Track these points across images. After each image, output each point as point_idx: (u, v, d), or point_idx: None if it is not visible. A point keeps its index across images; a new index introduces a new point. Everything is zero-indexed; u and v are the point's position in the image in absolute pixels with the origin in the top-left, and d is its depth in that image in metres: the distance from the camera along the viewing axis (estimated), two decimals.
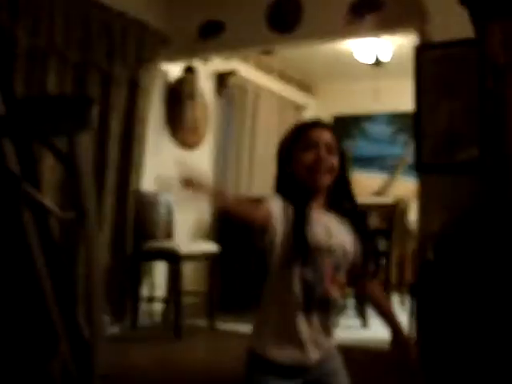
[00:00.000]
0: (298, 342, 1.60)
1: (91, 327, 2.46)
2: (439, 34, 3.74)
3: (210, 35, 4.64)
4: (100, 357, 2.46)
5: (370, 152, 7.60)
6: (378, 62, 5.78)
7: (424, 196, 3.76)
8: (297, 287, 1.59)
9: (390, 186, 7.46)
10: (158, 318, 4.81)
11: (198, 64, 5.15)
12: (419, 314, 3.34)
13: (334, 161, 1.68)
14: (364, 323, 4.75)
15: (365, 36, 4.76)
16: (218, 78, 5.69)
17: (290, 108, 7.12)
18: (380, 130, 7.57)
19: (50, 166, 3.74)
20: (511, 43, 2.76)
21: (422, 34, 3.85)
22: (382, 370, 3.55)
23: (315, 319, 1.61)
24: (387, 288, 5.22)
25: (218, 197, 1.59)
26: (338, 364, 1.73)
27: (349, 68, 6.78)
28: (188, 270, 4.81)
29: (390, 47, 5.82)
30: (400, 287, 5.52)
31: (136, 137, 4.45)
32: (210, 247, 4.66)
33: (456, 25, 3.44)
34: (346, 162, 1.74)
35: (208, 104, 5.55)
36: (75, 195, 2.45)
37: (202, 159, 5.50)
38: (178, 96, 5.03)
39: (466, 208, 3.13)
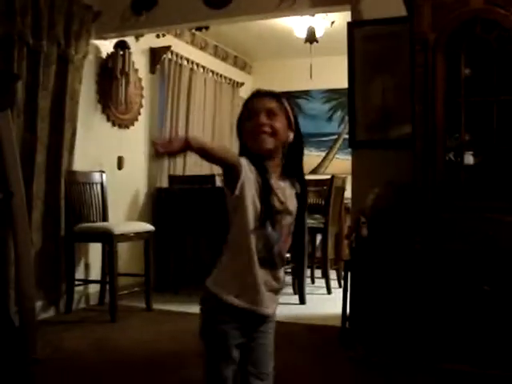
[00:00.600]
0: (255, 292, 1.73)
1: (22, 312, 2.39)
2: (373, 12, 3.76)
3: (142, 10, 4.52)
4: (33, 342, 2.39)
5: (307, 129, 7.58)
6: (313, 39, 5.78)
7: (357, 172, 3.80)
8: (259, 244, 1.72)
9: (327, 163, 7.54)
10: (93, 301, 4.73)
11: (130, 40, 5.03)
12: (353, 289, 3.41)
13: (277, 124, 1.77)
14: (302, 300, 4.82)
15: (300, 13, 4.76)
16: (152, 54, 5.57)
17: (227, 85, 7.07)
18: (317, 107, 7.61)
19: None
20: (440, 21, 2.80)
21: (356, 11, 3.86)
22: (318, 343, 3.61)
23: (270, 273, 1.76)
24: (325, 264, 5.30)
25: (194, 140, 1.60)
26: (272, 327, 1.86)
27: (285, 45, 6.78)
28: (123, 251, 4.74)
29: (324, 24, 5.83)
30: (337, 263, 5.61)
31: (67, 115, 4.31)
32: (145, 227, 4.59)
33: (389, 3, 3.48)
34: (297, 126, 1.84)
35: (142, 81, 5.44)
36: (1, 175, 2.36)
37: (136, 137, 5.40)
38: (110, 73, 4.89)
39: (398, 184, 3.19)
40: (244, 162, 1.69)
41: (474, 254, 2.77)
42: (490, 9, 2.75)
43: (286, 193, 1.78)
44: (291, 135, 1.82)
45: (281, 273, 1.80)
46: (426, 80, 2.84)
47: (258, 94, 1.84)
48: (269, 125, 1.76)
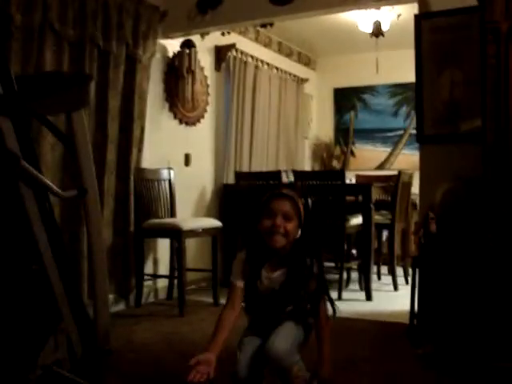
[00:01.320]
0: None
1: (96, 305, 2.46)
2: (440, 3, 3.68)
3: (207, 9, 4.58)
4: (106, 333, 2.47)
5: (372, 125, 7.56)
6: (379, 33, 5.71)
7: (425, 167, 3.73)
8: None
9: (393, 158, 7.43)
10: (162, 295, 4.83)
11: (196, 38, 5.10)
12: (421, 286, 3.35)
13: (290, 226, 2.16)
14: (368, 297, 4.77)
15: (365, 7, 4.70)
16: (217, 52, 5.64)
17: (291, 81, 7.07)
18: (382, 102, 7.51)
19: (49, 146, 3.73)
20: None
21: (423, 3, 3.79)
22: (386, 340, 3.57)
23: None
24: (391, 261, 5.23)
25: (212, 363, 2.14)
26: None
27: (349, 39, 6.73)
28: (191, 247, 4.82)
29: (390, 17, 5.75)
30: (404, 260, 5.53)
31: (135, 113, 4.41)
32: (213, 223, 4.65)
33: None
34: (305, 223, 2.23)
35: (207, 79, 5.51)
36: (75, 173, 2.44)
37: (202, 135, 5.48)
38: (177, 71, 4.98)
39: (468, 179, 3.12)
40: (239, 275, 2.26)
41: None
42: None
43: (276, 280, 2.22)
44: (299, 232, 2.21)
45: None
46: (499, 71, 2.76)
47: (278, 195, 2.20)
48: (283, 227, 2.15)
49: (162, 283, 4.83)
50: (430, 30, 3.71)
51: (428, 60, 3.70)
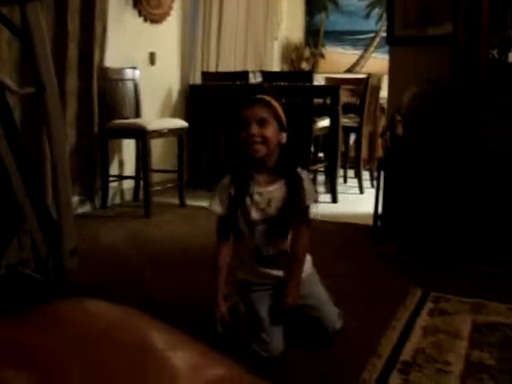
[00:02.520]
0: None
1: (59, 206, 2.44)
2: None
3: None
4: (69, 234, 2.45)
5: (342, 27, 7.38)
6: None
7: (395, 70, 3.68)
8: (251, 247, 2.10)
9: (363, 62, 7.32)
10: (128, 197, 4.82)
11: None
12: (386, 188, 3.40)
13: (267, 132, 1.99)
14: (334, 199, 4.84)
15: None
16: None
17: None
18: (354, 3, 7.29)
19: (5, 41, 3.55)
20: None
21: None
22: (350, 240, 3.65)
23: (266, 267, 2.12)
24: (358, 164, 5.27)
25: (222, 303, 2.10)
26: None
27: None
28: (157, 148, 4.77)
29: None
30: (370, 163, 5.58)
31: (97, 11, 4.21)
32: (178, 123, 4.58)
33: None
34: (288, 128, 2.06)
35: None
36: (33, 70, 2.33)
37: (168, 33, 5.28)
38: None
39: (436, 82, 3.09)
40: (220, 204, 2.08)
41: (508, 153, 2.70)
42: None
43: (271, 196, 2.04)
44: (284, 136, 2.04)
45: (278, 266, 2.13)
46: None
47: (248, 103, 2.02)
48: (259, 134, 1.97)
49: (128, 184, 4.81)
50: None
51: None
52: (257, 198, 2.03)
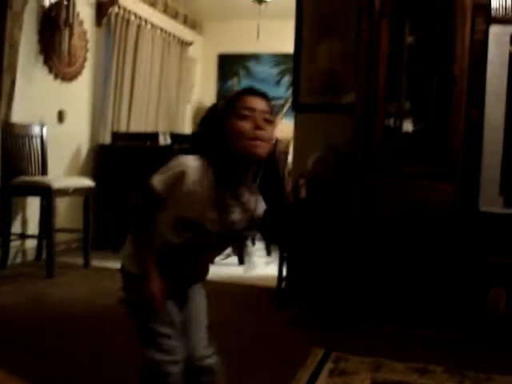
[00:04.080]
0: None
1: None
2: None
3: None
4: None
5: None
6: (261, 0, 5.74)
7: (299, 135, 3.84)
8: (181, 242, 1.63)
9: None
10: (30, 256, 4.65)
11: None
12: (290, 250, 3.46)
13: (271, 131, 1.61)
14: (241, 261, 4.86)
15: None
16: (98, 6, 5.41)
17: (175, 44, 6.95)
18: (266, 70, 7.58)
19: None
20: None
21: None
22: (254, 303, 3.66)
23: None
24: None
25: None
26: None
27: (236, 5, 6.70)
28: (62, 207, 4.66)
29: None
30: None
31: (5, 64, 4.15)
32: (85, 182, 4.52)
33: None
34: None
35: (87, 34, 5.28)
36: None
37: (79, 92, 5.26)
38: (54, 23, 4.72)
39: (337, 149, 3.24)
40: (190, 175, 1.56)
41: (406, 218, 2.84)
42: None
43: (249, 206, 1.64)
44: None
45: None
46: (370, 45, 2.86)
47: (252, 92, 1.64)
48: (267, 131, 1.59)
49: (31, 244, 4.64)
50: (311, 2, 3.77)
51: (308, 30, 3.77)
52: (246, 198, 1.63)
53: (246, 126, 1.57)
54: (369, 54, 2.85)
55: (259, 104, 1.60)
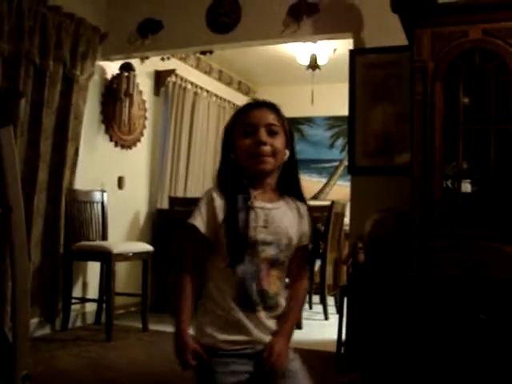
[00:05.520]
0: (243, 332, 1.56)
1: (15, 328, 2.38)
2: (375, 40, 3.82)
3: (148, 33, 4.59)
4: (25, 357, 2.38)
5: (308, 155, 7.67)
6: (315, 66, 5.85)
7: (356, 198, 3.83)
8: (232, 283, 1.55)
9: (328, 189, 7.56)
10: (90, 320, 4.72)
11: (136, 62, 5.09)
12: (349, 315, 3.40)
13: (278, 143, 1.60)
14: (299, 325, 4.79)
15: (303, 40, 4.82)
16: (157, 77, 5.64)
17: (230, 109, 7.12)
18: (319, 133, 7.66)
19: None
20: (439, 51, 2.84)
21: (358, 39, 3.92)
22: (314, 368, 3.58)
23: (258, 314, 1.57)
24: (322, 290, 5.28)
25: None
26: (297, 365, 1.70)
27: (288, 71, 6.86)
28: (121, 271, 4.75)
29: (328, 51, 5.90)
30: (335, 289, 5.60)
31: (70, 134, 4.35)
32: (144, 247, 4.61)
33: (391, 32, 3.52)
34: (293, 142, 1.67)
35: (146, 103, 5.49)
36: (1, 192, 2.37)
37: (138, 159, 5.44)
38: (115, 94, 4.95)
39: (396, 210, 3.20)
40: (203, 218, 1.57)
41: (468, 281, 2.76)
42: (488, 40, 2.79)
43: (274, 217, 1.59)
44: (287, 153, 1.65)
45: (267, 314, 1.59)
46: (425, 108, 2.86)
47: (256, 105, 1.65)
48: (270, 144, 1.58)
49: (91, 307, 4.72)
50: (363, 66, 3.83)
51: (361, 94, 3.81)
52: (259, 212, 1.57)
53: (249, 143, 1.58)
54: (424, 116, 2.86)
55: (263, 117, 1.60)
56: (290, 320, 1.66)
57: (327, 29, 4.10)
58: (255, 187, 1.61)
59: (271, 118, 1.61)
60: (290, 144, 1.66)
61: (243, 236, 1.53)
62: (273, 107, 1.65)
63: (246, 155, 1.60)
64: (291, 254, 1.64)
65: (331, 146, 7.60)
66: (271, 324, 1.61)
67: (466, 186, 3.05)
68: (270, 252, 1.57)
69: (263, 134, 1.58)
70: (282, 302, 1.64)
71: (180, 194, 5.88)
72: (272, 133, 1.60)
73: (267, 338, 1.59)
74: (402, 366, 2.99)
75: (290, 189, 1.67)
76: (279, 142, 1.61)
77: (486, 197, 2.87)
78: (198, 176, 6.30)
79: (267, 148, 1.58)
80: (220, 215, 1.56)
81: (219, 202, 1.57)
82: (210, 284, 1.61)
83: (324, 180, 7.59)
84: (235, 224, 1.54)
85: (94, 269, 4.69)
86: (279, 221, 1.59)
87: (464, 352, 2.82)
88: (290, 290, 1.70)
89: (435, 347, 2.88)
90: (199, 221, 1.58)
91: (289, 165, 1.67)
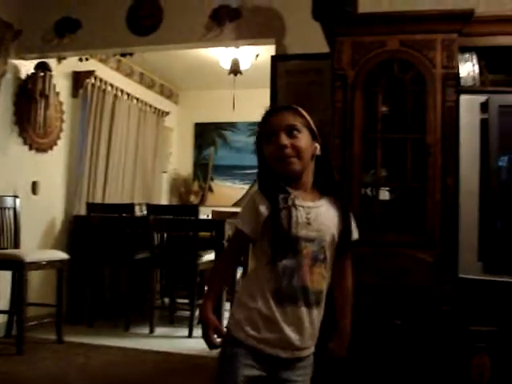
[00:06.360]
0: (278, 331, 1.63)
1: None
2: (297, 47, 3.83)
3: (65, 32, 4.44)
4: None
5: (232, 161, 7.66)
6: (237, 71, 5.83)
7: None
8: (274, 278, 1.62)
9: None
10: (0, 333, 4.48)
11: (53, 62, 4.90)
12: None
13: (300, 142, 1.66)
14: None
15: (225, 44, 4.79)
16: (75, 78, 5.46)
17: (151, 113, 7.01)
18: (242, 139, 7.64)
19: None
20: (359, 60, 2.87)
21: (280, 45, 3.92)
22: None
23: (297, 310, 1.64)
24: None
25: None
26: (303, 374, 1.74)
27: (212, 76, 6.82)
28: (35, 281, 4.54)
29: (250, 57, 5.90)
30: None
31: None
32: (58, 255, 4.42)
33: (313, 39, 3.52)
34: (322, 137, 1.73)
35: (63, 104, 5.30)
36: None
37: (54, 163, 5.24)
38: (29, 94, 4.74)
39: None
40: (248, 221, 1.67)
41: (386, 288, 2.80)
42: (405, 51, 2.84)
43: (316, 214, 1.65)
44: (318, 147, 1.71)
45: (314, 311, 1.68)
46: (345, 116, 2.89)
47: (274, 111, 1.74)
48: (291, 145, 1.65)
49: (1, 319, 4.48)
50: (285, 72, 3.84)
51: (283, 100, 3.80)
52: (301, 210, 1.64)
53: (273, 148, 1.67)
54: (344, 123, 2.88)
55: (281, 121, 1.68)
56: (343, 321, 1.82)
57: (250, 34, 4.07)
58: (293, 187, 1.68)
59: (290, 120, 1.68)
60: (318, 138, 1.72)
61: (286, 232, 1.61)
62: (290, 109, 1.72)
63: (273, 160, 1.69)
64: (334, 252, 1.71)
65: (254, 151, 7.59)
66: (308, 322, 1.66)
67: (385, 194, 3.09)
68: (312, 248, 1.64)
69: (283, 138, 1.66)
70: (323, 299, 1.71)
71: (98, 200, 5.69)
72: (293, 133, 1.67)
73: (295, 338, 1.64)
74: (321, 369, 2.99)
75: (327, 187, 1.74)
76: (302, 141, 1.67)
77: (403, 204, 2.92)
78: (117, 182, 6.13)
79: (289, 150, 1.65)
80: (263, 215, 1.64)
81: (261, 203, 1.65)
82: (249, 279, 1.74)
83: (247, 186, 7.57)
84: (278, 221, 1.61)
85: (5, 278, 4.46)
86: (322, 218, 1.67)
87: (382, 355, 2.86)
88: (337, 289, 1.82)
89: (356, 351, 2.90)
90: (243, 223, 1.68)
91: (322, 161, 1.73)
